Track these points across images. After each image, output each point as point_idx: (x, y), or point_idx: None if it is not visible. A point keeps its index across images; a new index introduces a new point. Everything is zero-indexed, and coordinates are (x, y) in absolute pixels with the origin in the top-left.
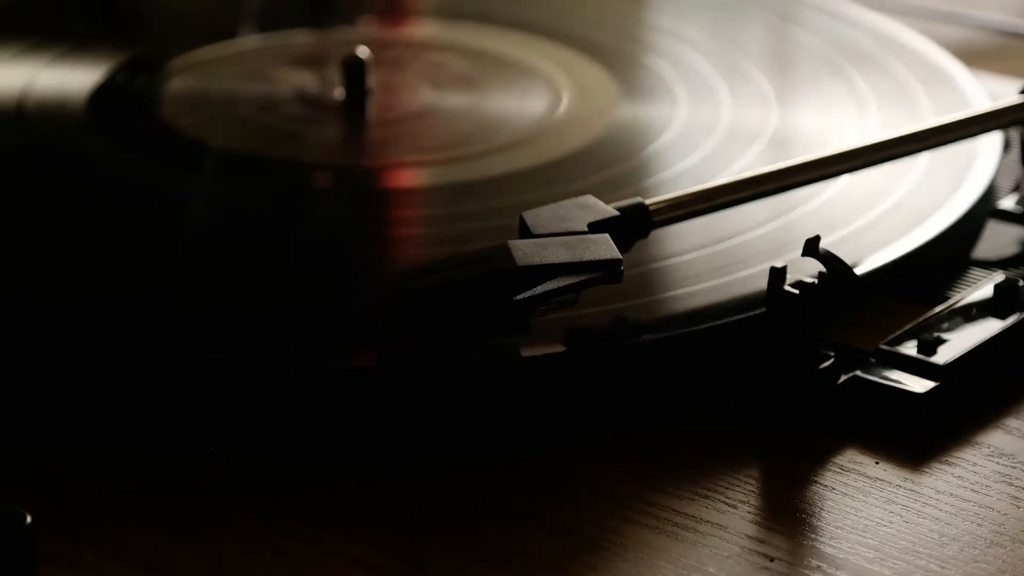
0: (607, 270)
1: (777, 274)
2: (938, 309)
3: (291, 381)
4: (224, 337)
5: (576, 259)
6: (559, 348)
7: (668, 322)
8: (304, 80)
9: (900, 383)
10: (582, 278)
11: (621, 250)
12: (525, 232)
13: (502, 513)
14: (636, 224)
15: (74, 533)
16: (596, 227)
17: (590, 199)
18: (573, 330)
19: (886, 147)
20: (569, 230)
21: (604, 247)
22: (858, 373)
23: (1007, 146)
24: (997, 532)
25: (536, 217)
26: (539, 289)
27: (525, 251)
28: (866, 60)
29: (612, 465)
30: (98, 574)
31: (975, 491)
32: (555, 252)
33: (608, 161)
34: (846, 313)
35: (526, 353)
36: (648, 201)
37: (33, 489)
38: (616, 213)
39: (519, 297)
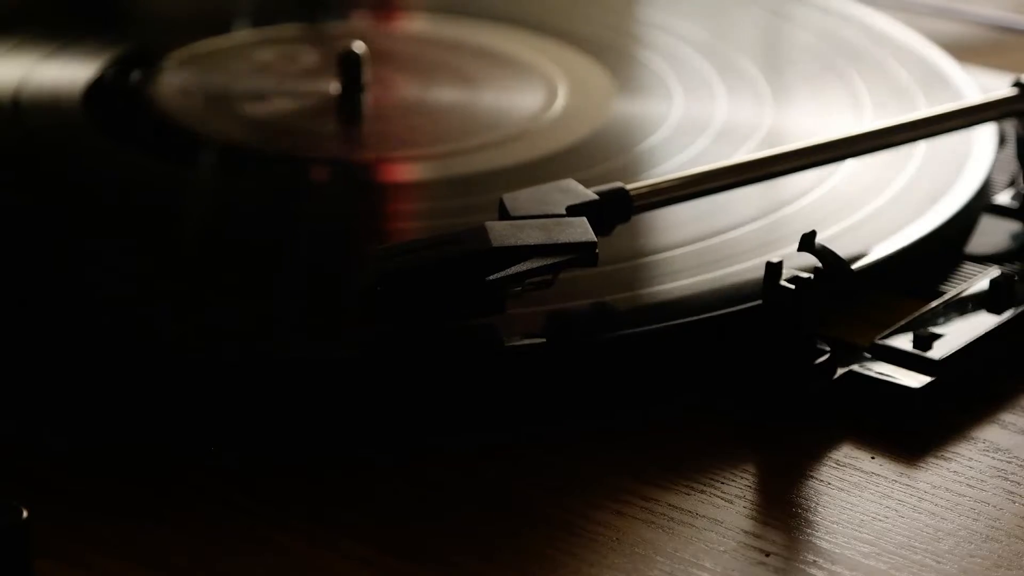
0: (582, 253)
1: (773, 269)
2: (933, 304)
3: (286, 374)
4: (219, 332)
5: (551, 241)
6: (553, 340)
7: (663, 314)
8: (299, 74)
9: (895, 378)
10: (556, 260)
11: (602, 234)
12: (504, 214)
13: (498, 508)
14: (616, 208)
15: (73, 530)
16: (575, 210)
17: (571, 183)
18: (567, 322)
19: (875, 137)
20: (547, 213)
21: (580, 230)
22: (854, 368)
23: (1002, 141)
24: (992, 527)
25: (515, 200)
26: (512, 270)
27: (501, 232)
28: (859, 56)
29: (608, 460)
30: (97, 572)
31: (970, 486)
32: (531, 234)
33: (603, 156)
34: (842, 308)
35: (521, 344)
36: (628, 186)
37: (33, 486)
38: (595, 197)
39: (492, 277)
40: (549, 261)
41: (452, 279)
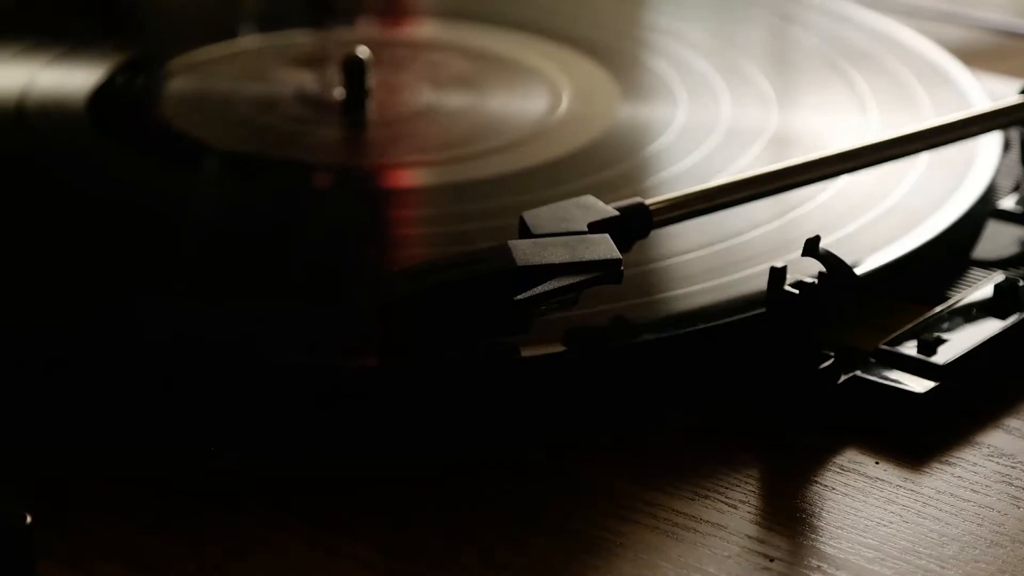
0: (607, 270)
1: (777, 274)
2: (938, 309)
3: (292, 380)
4: (223, 336)
5: (576, 259)
6: (559, 348)
7: (669, 322)
8: (304, 80)
9: (900, 383)
10: (582, 278)
11: (621, 250)
12: (525, 232)
13: (502, 513)
14: (636, 224)
15: (74, 533)
16: (596, 227)
17: (590, 199)
18: (573, 330)
19: (886, 147)
20: (569, 230)
21: (604, 247)
22: (858, 373)
23: (1007, 146)
24: (997, 532)
25: (536, 217)
26: (539, 289)
27: (525, 251)
28: (866, 60)
29: (612, 465)
30: (98, 574)
31: (975, 491)
32: (555, 252)
33: (608, 161)
34: (846, 313)
35: (527, 353)
36: (648, 201)
37: (33, 489)
38: (616, 213)
39: (519, 297)
40: (575, 279)
41: (477, 298)
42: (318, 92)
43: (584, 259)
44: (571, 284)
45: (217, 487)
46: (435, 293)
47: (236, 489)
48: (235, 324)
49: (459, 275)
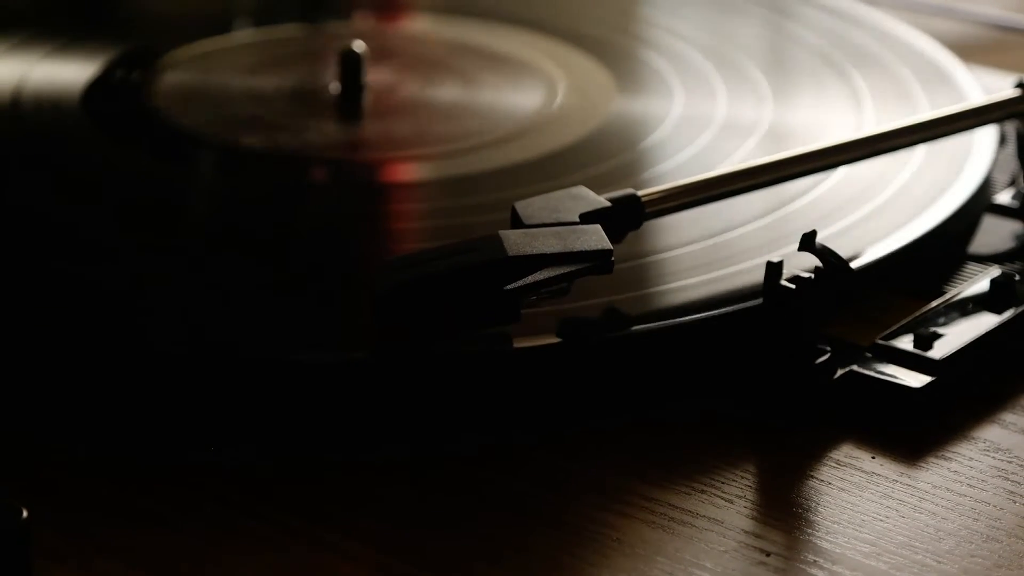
0: (598, 261)
1: (773, 269)
2: (934, 304)
3: (288, 375)
4: (220, 332)
5: (567, 249)
6: (553, 340)
7: (663, 314)
8: (299, 74)
9: (896, 378)
10: (573, 268)
11: (613, 241)
12: (517, 222)
13: (500, 509)
14: (628, 215)
15: (73, 531)
16: (588, 218)
17: (582, 190)
18: (567, 322)
19: (880, 140)
20: (561, 220)
21: (595, 238)
22: (854, 368)
23: (1003, 140)
24: (993, 527)
25: (528, 207)
26: (530, 279)
27: (516, 241)
28: (861, 55)
29: (609, 460)
30: (97, 572)
31: (971, 486)
32: (546, 242)
33: (604, 155)
34: (842, 308)
35: (521, 345)
36: (640, 192)
37: (33, 487)
38: (608, 204)
39: (510, 287)
40: (565, 270)
41: (467, 289)
42: (314, 86)
43: (575, 249)
44: (562, 274)
45: (216, 487)
46: (425, 283)
47: (236, 489)
48: (231, 319)
49: (449, 265)
